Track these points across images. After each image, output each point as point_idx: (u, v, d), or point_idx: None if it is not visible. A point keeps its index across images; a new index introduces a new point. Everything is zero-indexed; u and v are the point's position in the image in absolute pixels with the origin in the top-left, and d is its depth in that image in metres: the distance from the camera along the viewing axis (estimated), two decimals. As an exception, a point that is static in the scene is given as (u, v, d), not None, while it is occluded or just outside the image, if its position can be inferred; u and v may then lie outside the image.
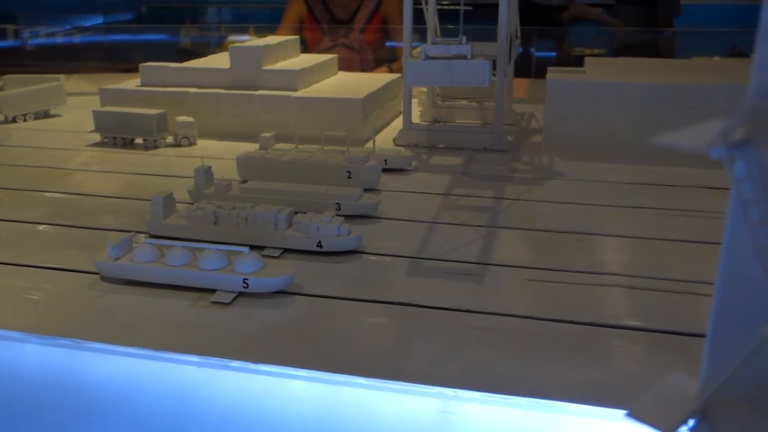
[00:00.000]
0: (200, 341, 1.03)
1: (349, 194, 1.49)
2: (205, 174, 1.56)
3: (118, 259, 1.21)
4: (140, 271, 1.20)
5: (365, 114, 2.10)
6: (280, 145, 1.82)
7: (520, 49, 2.46)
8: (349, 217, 1.44)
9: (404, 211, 1.56)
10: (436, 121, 2.33)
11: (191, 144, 2.13)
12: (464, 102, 2.45)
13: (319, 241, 1.31)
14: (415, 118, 2.29)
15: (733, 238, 0.44)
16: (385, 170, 1.77)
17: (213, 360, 0.98)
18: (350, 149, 1.74)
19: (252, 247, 1.24)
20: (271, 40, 2.39)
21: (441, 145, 2.08)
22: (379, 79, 2.40)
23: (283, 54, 2.37)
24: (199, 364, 0.98)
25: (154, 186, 1.76)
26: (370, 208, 1.50)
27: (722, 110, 1.82)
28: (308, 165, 1.67)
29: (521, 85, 3.04)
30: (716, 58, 3.62)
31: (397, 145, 2.07)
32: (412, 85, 1.96)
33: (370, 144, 1.88)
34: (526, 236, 1.42)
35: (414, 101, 2.45)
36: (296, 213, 1.39)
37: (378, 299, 1.15)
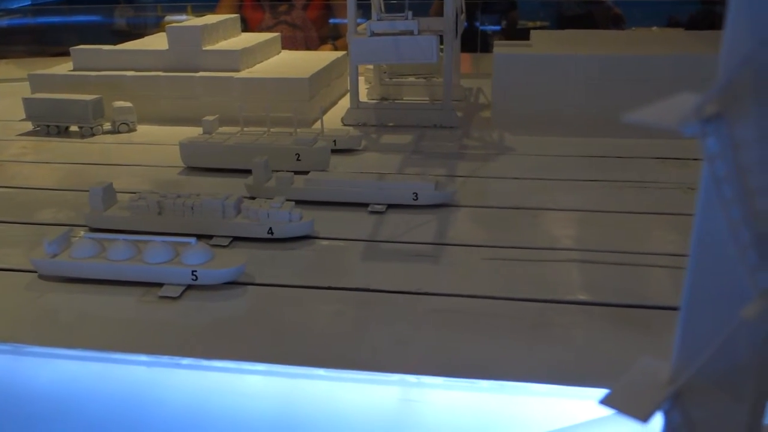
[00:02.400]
0: (149, 339, 0.99)
1: (425, 184, 1.42)
2: (265, 167, 1.46)
3: (55, 255, 1.15)
4: (80, 268, 1.13)
5: (311, 94, 2.05)
6: (225, 129, 1.76)
7: (465, 24, 2.43)
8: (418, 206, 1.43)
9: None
10: (384, 98, 2.29)
11: (130, 130, 2.04)
12: (412, 78, 2.41)
13: (270, 228, 1.27)
14: (363, 96, 2.25)
15: (706, 217, 0.43)
16: (334, 151, 1.73)
17: (163, 358, 0.93)
18: (298, 131, 1.69)
19: (200, 237, 1.20)
20: (210, 19, 2.30)
21: (390, 124, 2.05)
22: (325, 57, 2.35)
23: (224, 34, 2.28)
24: (148, 364, 0.93)
25: (95, 176, 1.68)
26: (446, 197, 1.43)
27: (665, 80, 1.85)
28: (255, 148, 1.61)
29: (467, 59, 3.02)
30: (654, 28, 3.68)
31: (345, 125, 2.03)
32: (358, 63, 1.92)
33: (317, 125, 1.84)
34: (481, 214, 1.41)
35: (361, 79, 2.41)
36: (245, 199, 1.34)
37: (333, 286, 1.12)
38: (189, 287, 1.11)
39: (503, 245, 1.26)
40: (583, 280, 1.13)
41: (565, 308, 1.05)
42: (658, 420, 0.48)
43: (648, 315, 1.02)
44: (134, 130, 2.05)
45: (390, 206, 1.43)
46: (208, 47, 2.15)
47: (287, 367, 0.91)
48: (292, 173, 1.48)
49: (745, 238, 0.41)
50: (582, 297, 1.07)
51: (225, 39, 2.29)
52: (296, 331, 1.01)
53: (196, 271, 1.10)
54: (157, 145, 1.94)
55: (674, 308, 0.47)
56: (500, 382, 0.87)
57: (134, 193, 1.39)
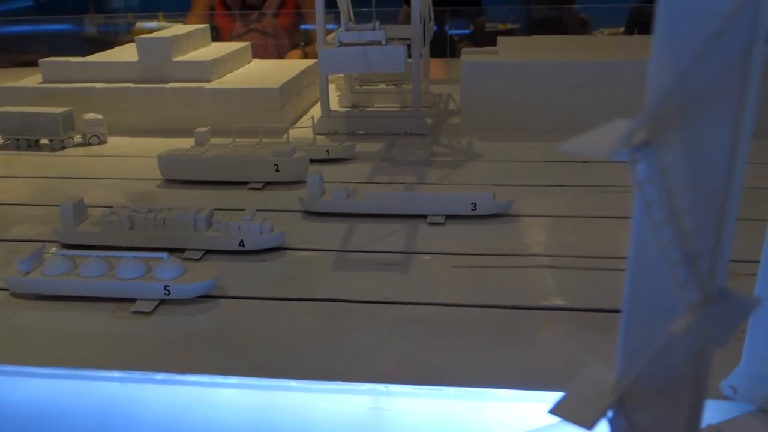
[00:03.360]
0: (122, 355, 1.00)
1: (484, 194, 1.42)
2: (319, 181, 1.46)
3: (28, 273, 1.15)
4: (53, 285, 1.14)
5: (282, 103, 2.06)
6: (215, 140, 1.77)
7: (435, 28, 2.46)
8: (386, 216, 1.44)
9: (271, 201, 1.56)
10: (355, 106, 2.32)
11: (101, 142, 2.04)
12: (382, 86, 2.44)
13: (242, 240, 1.29)
14: (334, 104, 2.27)
15: (639, 237, 0.46)
16: (318, 161, 1.75)
17: (137, 374, 0.95)
18: (290, 140, 1.71)
19: (172, 251, 1.21)
20: (180, 29, 2.31)
21: (361, 132, 2.07)
22: (295, 66, 2.37)
23: (194, 44, 2.29)
24: (122, 380, 0.94)
25: (66, 190, 1.68)
26: (504, 207, 1.44)
27: (629, 86, 1.90)
28: (234, 160, 1.63)
29: (438, 65, 3.05)
30: (604, 30, 3.74)
31: (316, 134, 2.04)
32: (327, 73, 1.94)
33: (296, 135, 1.85)
34: (450, 221, 1.44)
35: (331, 86, 2.43)
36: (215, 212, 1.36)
37: (305, 297, 1.14)
38: (162, 302, 1.12)
39: (472, 252, 1.29)
40: (551, 286, 1.17)
41: (533, 314, 1.08)
42: (604, 426, 0.51)
43: (614, 319, 1.05)
44: (105, 142, 2.05)
45: (362, 215, 1.45)
46: (178, 58, 2.16)
47: (259, 379, 0.93)
48: (347, 186, 1.49)
49: (674, 257, 0.44)
50: (550, 302, 1.11)
51: (195, 49, 2.30)
52: (268, 343, 1.02)
53: (168, 285, 1.11)
54: (128, 157, 1.94)
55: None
56: (467, 388, 0.90)
57: (107, 207, 1.40)
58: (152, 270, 1.14)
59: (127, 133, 2.10)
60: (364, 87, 2.41)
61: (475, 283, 1.18)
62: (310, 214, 1.48)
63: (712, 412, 0.83)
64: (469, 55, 2.07)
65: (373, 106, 2.32)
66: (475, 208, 1.42)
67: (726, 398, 0.84)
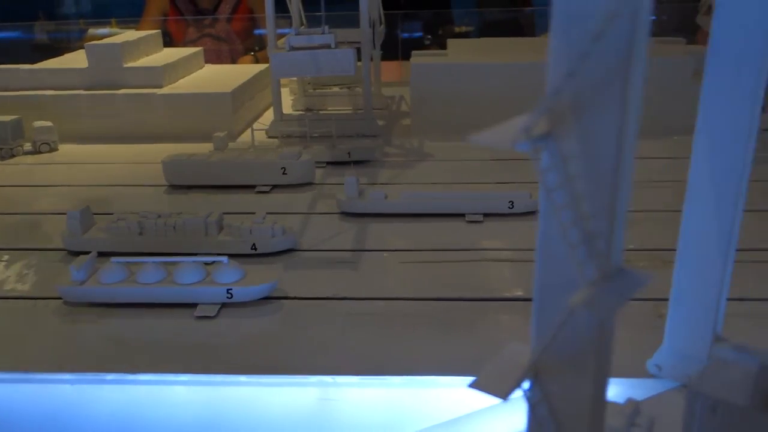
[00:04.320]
0: (72, 358, 1.01)
1: (520, 193, 1.44)
2: (356, 183, 1.46)
3: (83, 282, 1.13)
4: (112, 293, 1.12)
5: (235, 107, 2.08)
6: (233, 145, 1.78)
7: (385, 30, 2.50)
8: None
9: (279, 204, 1.58)
10: (308, 109, 2.35)
11: (52, 150, 2.03)
12: (336, 89, 2.47)
13: (254, 244, 1.29)
14: (287, 107, 2.29)
15: (545, 221, 0.50)
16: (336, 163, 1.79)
17: (88, 375, 0.96)
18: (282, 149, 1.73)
19: (181, 255, 1.20)
20: (131, 35, 2.31)
21: (314, 135, 2.10)
22: (248, 70, 2.38)
23: (145, 50, 2.29)
24: (72, 382, 0.96)
25: (20, 199, 1.67)
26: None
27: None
28: (240, 164, 1.64)
29: (392, 67, 3.10)
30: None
31: (269, 137, 2.07)
32: (278, 77, 1.97)
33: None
34: (400, 220, 1.48)
35: (285, 90, 2.45)
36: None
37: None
38: (104, 305, 1.13)
39: (420, 248, 1.33)
40: (497, 278, 1.21)
41: (477, 305, 1.12)
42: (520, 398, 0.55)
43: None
44: (56, 149, 2.04)
45: (313, 214, 1.48)
46: (130, 64, 2.16)
47: (210, 376, 0.96)
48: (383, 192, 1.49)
49: (574, 238, 0.48)
50: (491, 294, 1.15)
51: (147, 55, 2.30)
52: (219, 341, 1.05)
53: (231, 289, 1.11)
54: (81, 164, 1.94)
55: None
56: (410, 376, 0.94)
57: (62, 213, 1.39)
58: (212, 274, 1.14)
59: (79, 140, 2.09)
60: (317, 90, 2.44)
61: (420, 277, 1.22)
62: (320, 215, 1.51)
63: (639, 389, 0.89)
64: (418, 58, 2.11)
65: (326, 109, 2.35)
66: (512, 206, 1.44)
67: (652, 376, 0.90)
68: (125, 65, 2.14)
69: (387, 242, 1.36)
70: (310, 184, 1.68)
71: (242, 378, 0.95)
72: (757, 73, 0.74)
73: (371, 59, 2.27)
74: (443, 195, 1.50)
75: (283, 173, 1.64)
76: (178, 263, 1.14)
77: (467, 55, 2.19)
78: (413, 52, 2.20)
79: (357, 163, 1.83)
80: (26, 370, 0.97)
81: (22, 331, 1.08)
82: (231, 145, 1.78)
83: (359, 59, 2.00)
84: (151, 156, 1.92)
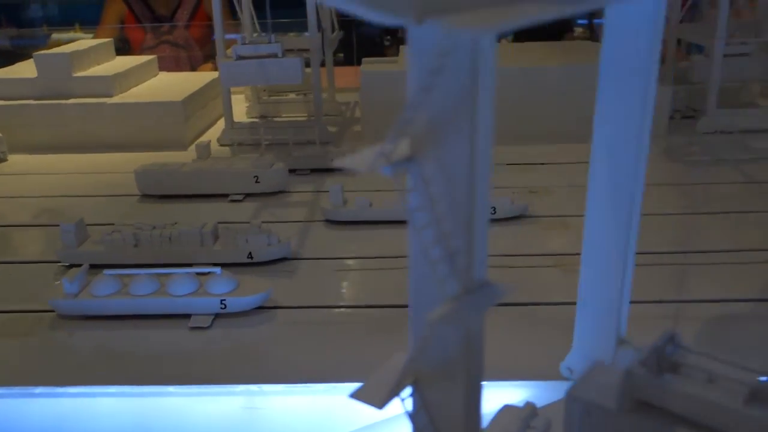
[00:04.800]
0: (66, 370, 1.02)
1: (502, 198, 1.45)
2: (340, 191, 1.49)
3: (77, 295, 1.14)
4: (104, 306, 1.13)
5: (186, 116, 2.09)
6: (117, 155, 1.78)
7: (341, 36, 2.52)
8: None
9: (252, 213, 1.59)
10: (263, 116, 2.36)
11: (2, 160, 2.02)
12: (292, 95, 2.49)
13: (250, 253, 1.30)
14: (242, 115, 2.31)
15: (413, 239, 0.53)
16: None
17: (15, 389, 0.97)
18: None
19: (177, 265, 1.21)
20: (81, 45, 2.31)
21: (266, 142, 2.11)
22: (201, 78, 2.39)
23: (96, 58, 2.29)
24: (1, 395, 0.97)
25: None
26: (523, 210, 1.49)
27: (517, 89, 2.00)
28: (214, 173, 1.65)
29: (349, 73, 3.12)
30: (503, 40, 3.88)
31: (221, 145, 2.08)
32: (228, 86, 1.98)
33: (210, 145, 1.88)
34: (339, 227, 1.50)
35: (241, 97, 2.46)
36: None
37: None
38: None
39: (356, 256, 1.35)
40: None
41: (401, 312, 1.15)
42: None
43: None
44: (5, 160, 2.03)
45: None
46: (80, 73, 2.15)
47: (137, 387, 0.97)
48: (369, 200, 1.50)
49: (436, 255, 0.51)
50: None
51: (98, 64, 2.30)
52: (148, 352, 1.06)
53: (224, 299, 1.12)
54: (30, 174, 1.93)
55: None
56: (334, 384, 0.96)
57: (16, 226, 1.39)
58: (205, 285, 1.15)
59: (29, 150, 2.08)
60: (272, 97, 2.45)
61: (351, 285, 1.25)
62: (305, 222, 1.53)
63: (552, 392, 0.92)
64: (369, 65, 2.14)
65: (281, 116, 2.37)
66: (495, 212, 1.46)
67: (565, 379, 0.93)
68: (75, 74, 2.13)
69: (363, 250, 1.38)
70: (282, 192, 1.70)
71: (170, 389, 0.97)
72: (647, 79, 0.77)
73: (323, 65, 2.30)
74: None
75: (256, 182, 1.66)
76: (171, 275, 1.15)
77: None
78: (364, 60, 2.23)
79: (317, 171, 1.84)
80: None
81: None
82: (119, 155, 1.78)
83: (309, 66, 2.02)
84: (105, 166, 1.93)
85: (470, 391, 0.56)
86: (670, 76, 2.30)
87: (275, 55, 1.84)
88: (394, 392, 0.55)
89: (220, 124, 2.32)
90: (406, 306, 1.10)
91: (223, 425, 0.97)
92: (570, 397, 0.62)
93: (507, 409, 0.75)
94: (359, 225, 1.49)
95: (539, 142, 1.93)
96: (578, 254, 0.85)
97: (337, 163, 0.49)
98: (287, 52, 1.89)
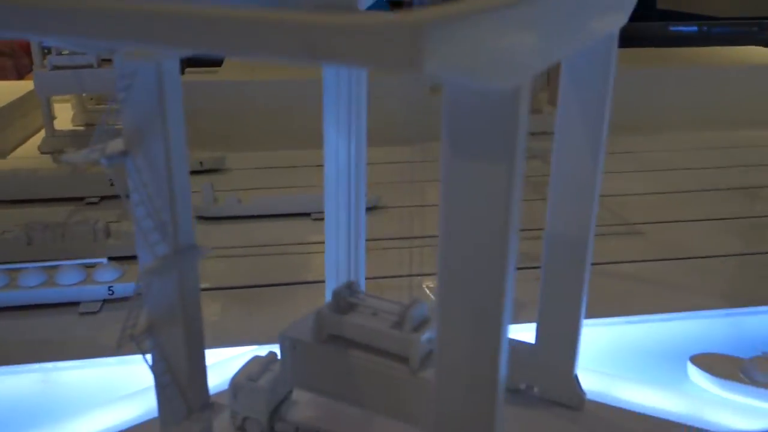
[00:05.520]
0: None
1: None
2: (210, 188, 1.60)
3: None
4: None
5: (4, 124, 2.11)
6: None
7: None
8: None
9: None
10: (89, 124, 2.41)
11: None
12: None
13: None
14: (67, 122, 2.35)
15: (132, 214, 0.69)
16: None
17: None
18: None
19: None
20: None
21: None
22: (24, 86, 2.40)
23: None
24: None
25: None
26: (373, 201, 1.60)
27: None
28: (68, 177, 1.70)
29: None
30: None
31: (42, 153, 2.12)
32: (44, 95, 2.03)
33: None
34: (253, 221, 1.64)
35: (67, 105, 2.49)
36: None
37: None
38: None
39: (263, 244, 1.50)
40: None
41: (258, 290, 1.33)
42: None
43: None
44: None
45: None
46: None
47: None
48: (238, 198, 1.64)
49: (148, 226, 0.68)
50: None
51: None
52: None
53: (112, 286, 1.22)
54: None
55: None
56: (122, 357, 1.09)
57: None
58: (92, 274, 1.24)
59: None
60: (100, 105, 2.50)
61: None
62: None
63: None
64: (190, 75, 2.26)
65: (109, 124, 2.42)
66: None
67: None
68: None
69: (232, 241, 1.53)
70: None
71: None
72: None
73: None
74: (291, 197, 1.68)
75: (111, 184, 1.72)
76: (60, 267, 1.24)
77: (238, 73, 2.37)
78: (186, 70, 2.35)
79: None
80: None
81: None
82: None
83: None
84: None
85: (190, 336, 0.72)
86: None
87: (91, 66, 1.92)
88: (129, 337, 0.70)
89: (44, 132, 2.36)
90: (259, 286, 1.30)
91: (21, 399, 1.07)
92: (281, 336, 0.81)
93: (254, 359, 0.92)
94: (229, 219, 1.65)
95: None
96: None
97: (64, 158, 0.65)
98: (103, 62, 1.98)
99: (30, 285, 1.23)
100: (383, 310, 0.78)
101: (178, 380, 0.74)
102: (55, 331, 1.19)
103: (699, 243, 1.56)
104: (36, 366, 1.08)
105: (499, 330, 0.53)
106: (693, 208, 1.79)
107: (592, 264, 1.46)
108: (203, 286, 1.30)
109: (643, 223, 1.67)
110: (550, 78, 2.39)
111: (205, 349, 0.76)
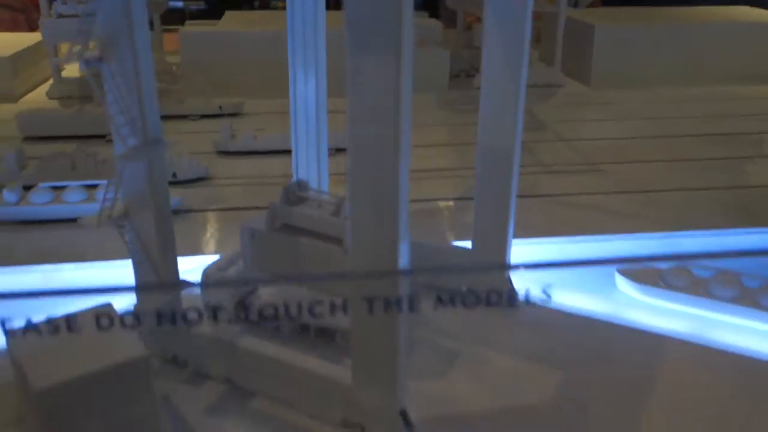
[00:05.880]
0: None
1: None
2: (230, 127, 1.82)
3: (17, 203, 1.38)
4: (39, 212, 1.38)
5: (14, 72, 2.24)
6: None
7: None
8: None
9: None
10: (96, 75, 2.53)
11: None
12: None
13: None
14: (75, 71, 2.47)
15: (107, 112, 0.82)
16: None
17: None
18: None
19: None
20: None
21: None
22: (32, 37, 2.53)
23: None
24: None
25: None
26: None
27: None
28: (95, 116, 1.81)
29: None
30: None
31: (50, 98, 2.25)
32: (50, 42, 2.15)
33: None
34: (268, 156, 1.77)
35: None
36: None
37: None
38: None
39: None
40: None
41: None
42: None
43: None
44: None
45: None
46: None
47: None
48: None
49: (120, 121, 0.81)
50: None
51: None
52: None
53: None
54: None
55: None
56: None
57: None
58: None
59: None
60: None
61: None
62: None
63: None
64: (189, 27, 2.38)
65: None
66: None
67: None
68: None
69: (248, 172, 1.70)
70: None
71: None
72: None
73: (152, 27, 2.50)
74: (276, 137, 1.78)
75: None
76: (99, 185, 1.40)
77: (237, 25, 2.48)
78: (187, 22, 2.47)
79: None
80: None
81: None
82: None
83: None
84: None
85: (159, 218, 0.86)
86: (458, 41, 2.70)
87: (94, 14, 2.04)
88: (106, 219, 0.84)
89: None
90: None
91: None
92: (241, 227, 0.94)
93: (224, 255, 1.06)
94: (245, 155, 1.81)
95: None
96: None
97: (53, 61, 0.77)
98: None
99: (72, 201, 1.41)
100: (325, 201, 0.91)
101: (151, 257, 0.87)
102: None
103: (654, 180, 1.68)
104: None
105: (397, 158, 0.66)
106: (660, 151, 1.89)
107: (550, 195, 1.60)
108: (223, 206, 1.52)
109: (607, 163, 1.79)
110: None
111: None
